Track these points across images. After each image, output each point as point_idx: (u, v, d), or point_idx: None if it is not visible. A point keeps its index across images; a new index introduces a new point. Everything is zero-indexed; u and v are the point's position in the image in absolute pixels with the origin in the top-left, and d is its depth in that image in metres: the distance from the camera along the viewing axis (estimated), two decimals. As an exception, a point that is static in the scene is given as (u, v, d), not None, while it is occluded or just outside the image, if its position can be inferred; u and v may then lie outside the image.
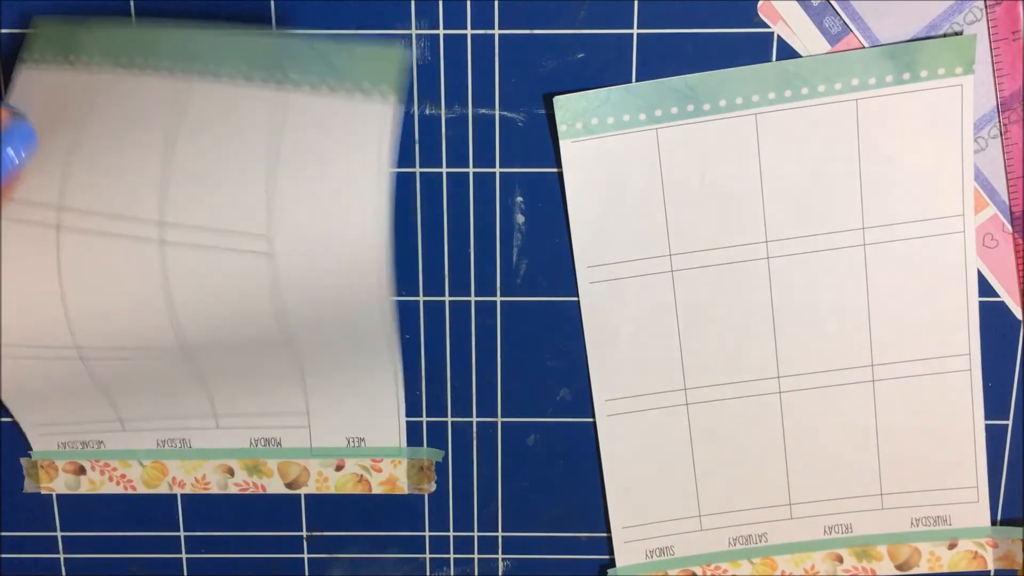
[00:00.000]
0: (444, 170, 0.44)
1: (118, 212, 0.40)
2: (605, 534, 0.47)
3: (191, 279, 0.40)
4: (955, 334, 0.44)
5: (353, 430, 0.46)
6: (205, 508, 0.48)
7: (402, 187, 0.44)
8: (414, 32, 0.42)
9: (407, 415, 0.47)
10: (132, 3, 0.42)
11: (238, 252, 0.39)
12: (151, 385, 0.44)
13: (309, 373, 0.44)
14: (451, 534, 0.48)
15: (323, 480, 0.47)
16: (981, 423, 0.45)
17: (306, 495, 0.48)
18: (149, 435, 0.46)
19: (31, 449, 0.47)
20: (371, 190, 0.40)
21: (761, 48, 0.42)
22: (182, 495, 0.48)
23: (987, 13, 0.42)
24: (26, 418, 0.46)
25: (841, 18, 0.42)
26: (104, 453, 0.47)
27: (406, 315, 0.45)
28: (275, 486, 0.47)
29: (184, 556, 0.49)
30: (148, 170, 0.40)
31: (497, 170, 0.44)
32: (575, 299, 0.45)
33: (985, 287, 0.44)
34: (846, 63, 0.42)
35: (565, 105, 0.42)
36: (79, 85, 0.41)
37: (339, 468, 0.47)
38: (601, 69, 0.42)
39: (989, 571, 0.47)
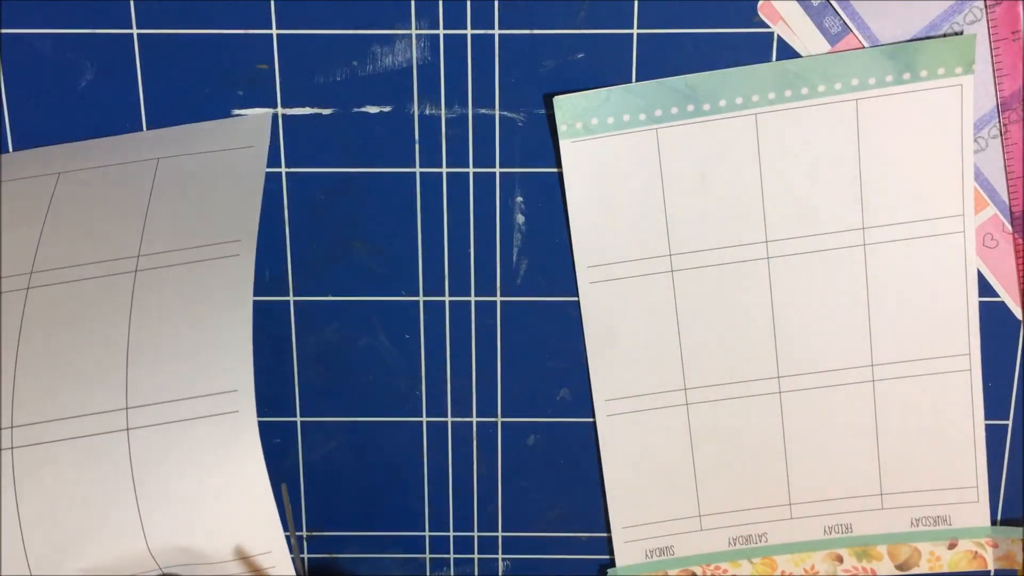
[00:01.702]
0: (444, 170, 0.44)
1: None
2: (605, 534, 0.47)
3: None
4: (955, 334, 0.44)
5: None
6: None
7: (402, 187, 0.44)
8: (414, 32, 0.42)
9: (408, 415, 0.47)
10: (132, 4, 0.42)
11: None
12: None
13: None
14: (451, 534, 0.48)
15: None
16: (981, 423, 0.45)
17: (304, 492, 0.48)
18: None
19: None
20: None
21: (761, 48, 0.42)
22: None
23: (987, 13, 0.42)
24: None
25: (841, 18, 0.42)
26: None
27: (406, 315, 0.45)
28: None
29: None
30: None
31: (497, 170, 0.44)
32: (575, 299, 0.45)
33: (985, 287, 0.44)
34: (846, 63, 0.42)
35: (565, 105, 0.42)
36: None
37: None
38: (601, 69, 0.42)
39: (989, 571, 0.47)
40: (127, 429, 0.40)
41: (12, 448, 0.40)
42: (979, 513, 0.46)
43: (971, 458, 0.45)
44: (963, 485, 0.46)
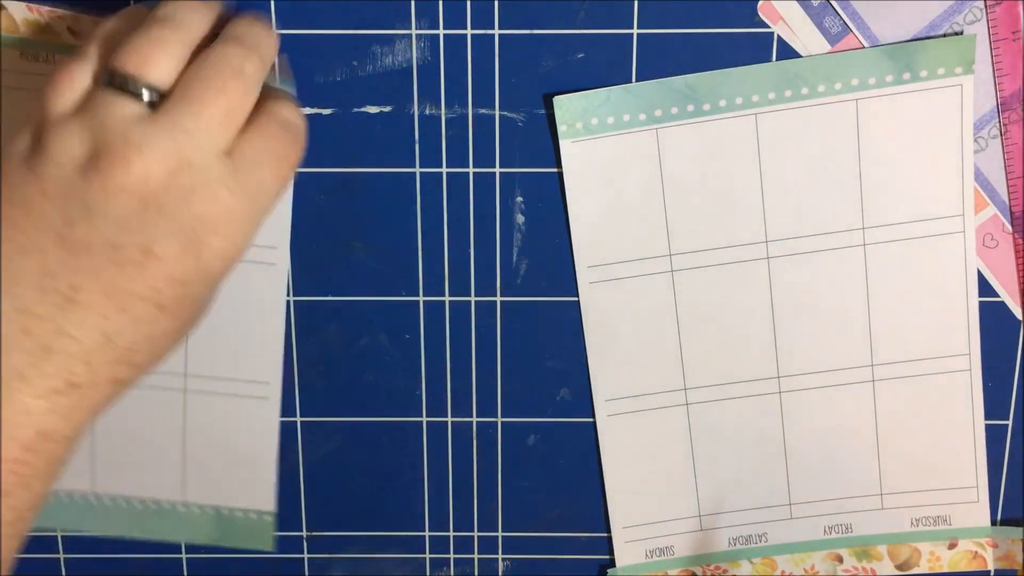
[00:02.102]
0: (444, 170, 0.44)
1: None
2: (605, 534, 0.47)
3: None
4: (955, 334, 0.44)
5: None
6: (205, 508, 0.48)
7: (402, 187, 0.44)
8: (414, 32, 0.42)
9: (408, 415, 0.47)
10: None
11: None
12: None
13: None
14: (451, 534, 0.48)
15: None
16: (981, 423, 0.45)
17: (304, 492, 0.48)
18: None
19: None
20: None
21: (761, 48, 0.42)
22: (182, 495, 0.48)
23: (987, 13, 0.42)
24: None
25: (841, 18, 0.42)
26: None
27: (406, 315, 0.45)
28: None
29: (184, 556, 0.49)
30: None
31: (497, 170, 0.44)
32: (575, 299, 0.45)
33: (985, 287, 0.44)
34: (846, 63, 0.42)
35: (565, 105, 0.42)
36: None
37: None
38: (601, 69, 0.42)
39: (989, 571, 0.47)
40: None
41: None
42: (979, 513, 0.46)
43: (971, 458, 0.45)
44: (963, 485, 0.46)
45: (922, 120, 0.42)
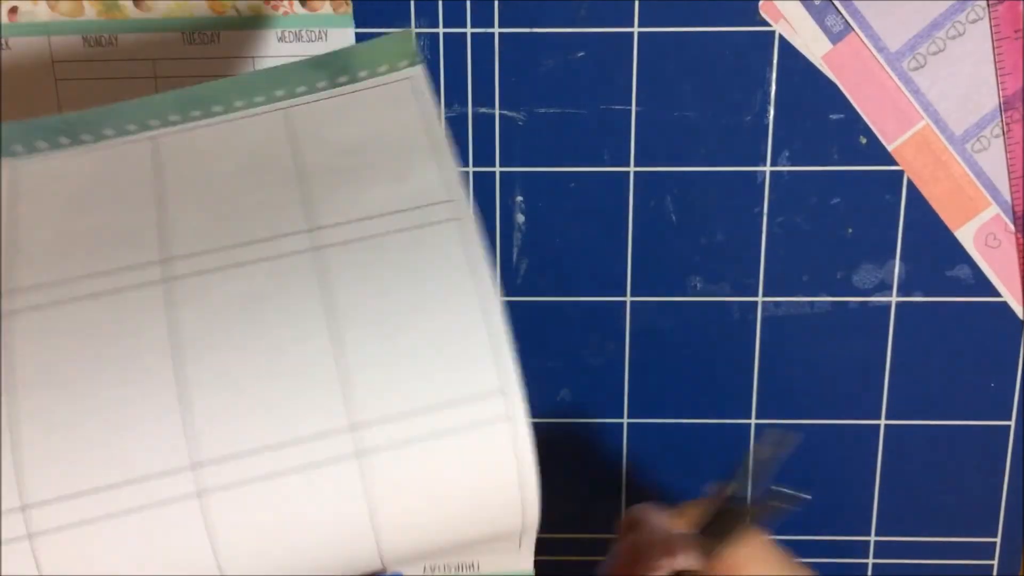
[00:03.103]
0: (444, 170, 0.44)
1: None
2: (604, 535, 0.47)
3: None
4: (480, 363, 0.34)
5: None
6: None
7: (401, 187, 0.44)
8: (414, 31, 0.42)
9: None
10: None
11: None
12: None
13: None
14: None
15: None
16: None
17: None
18: None
19: None
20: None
21: (762, 47, 0.42)
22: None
23: (989, 12, 0.42)
24: None
25: (843, 16, 0.42)
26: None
27: (406, 315, 0.45)
28: None
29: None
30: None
31: (497, 170, 0.44)
32: (575, 299, 0.45)
33: (986, 287, 0.44)
34: (266, 79, 0.36)
35: None
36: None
37: None
38: (602, 68, 0.42)
39: (992, 566, 0.47)
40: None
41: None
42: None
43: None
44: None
45: (375, 115, 0.36)
